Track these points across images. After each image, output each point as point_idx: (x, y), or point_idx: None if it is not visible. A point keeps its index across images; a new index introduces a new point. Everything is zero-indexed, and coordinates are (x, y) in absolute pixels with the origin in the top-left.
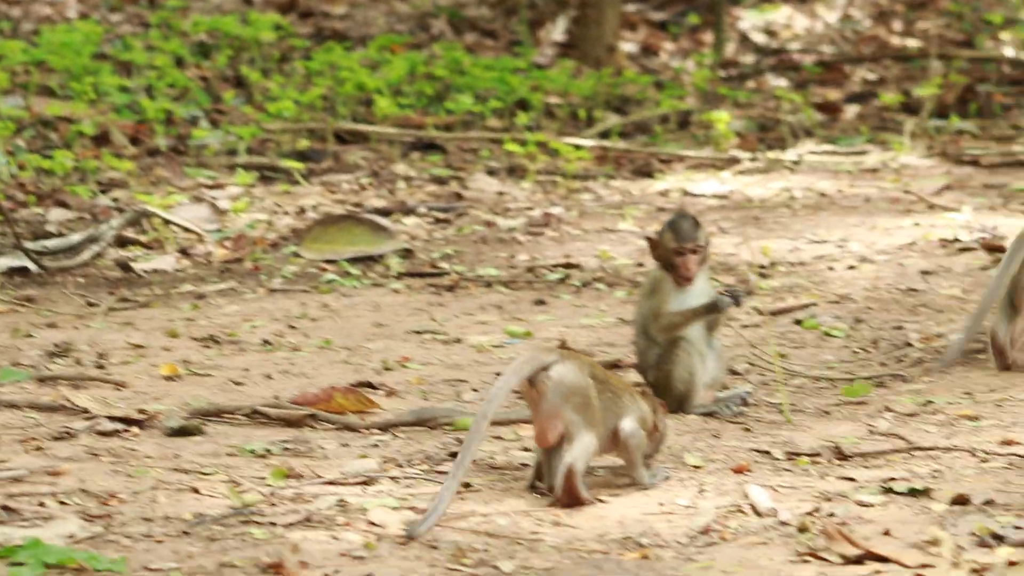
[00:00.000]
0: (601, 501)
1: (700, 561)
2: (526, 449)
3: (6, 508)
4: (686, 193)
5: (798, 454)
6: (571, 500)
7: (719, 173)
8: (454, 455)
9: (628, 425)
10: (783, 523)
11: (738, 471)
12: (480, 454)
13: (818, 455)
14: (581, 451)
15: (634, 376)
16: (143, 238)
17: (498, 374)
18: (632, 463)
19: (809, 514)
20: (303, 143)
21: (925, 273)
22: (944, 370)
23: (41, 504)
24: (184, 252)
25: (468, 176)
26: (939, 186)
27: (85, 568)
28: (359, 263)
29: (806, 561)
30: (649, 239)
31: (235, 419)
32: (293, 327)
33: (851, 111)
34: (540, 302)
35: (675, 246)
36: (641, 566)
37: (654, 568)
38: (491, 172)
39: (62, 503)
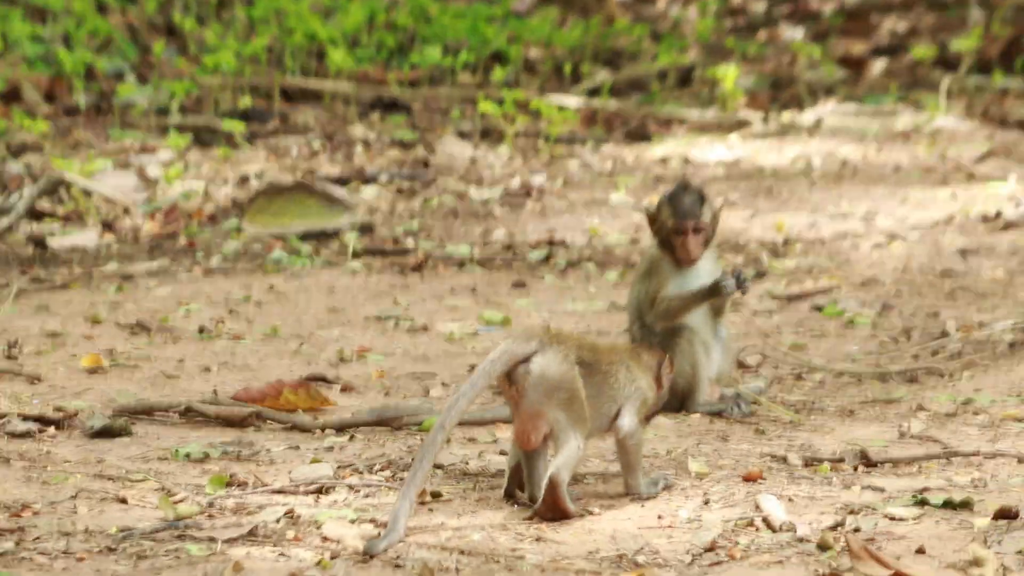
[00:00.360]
0: (590, 513)
1: None
2: (503, 453)
3: None
4: (688, 160)
5: (818, 460)
6: (555, 512)
7: (726, 137)
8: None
9: (627, 423)
10: (801, 539)
11: (749, 479)
12: (451, 459)
13: (841, 461)
14: (566, 458)
15: None
16: (60, 210)
17: (472, 367)
18: (629, 467)
19: (831, 529)
20: (245, 101)
21: (964, 252)
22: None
23: None
24: (108, 226)
25: (436, 140)
26: (980, 152)
27: None
28: (311, 239)
29: None
30: (647, 213)
31: (168, 418)
32: (234, 312)
33: (878, 66)
34: (519, 284)
35: (674, 224)
36: None
37: None
38: (463, 135)
39: None
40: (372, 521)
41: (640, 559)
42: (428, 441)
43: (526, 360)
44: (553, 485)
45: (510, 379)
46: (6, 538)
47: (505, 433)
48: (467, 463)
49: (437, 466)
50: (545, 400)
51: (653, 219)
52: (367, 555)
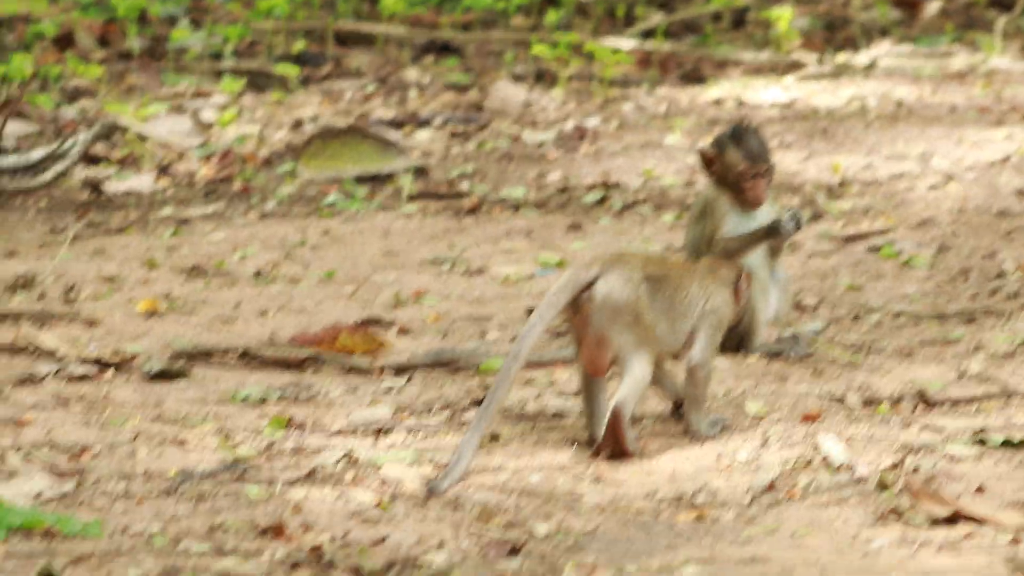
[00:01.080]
0: (649, 455)
1: (764, 523)
2: (561, 394)
3: None
4: (742, 102)
5: (877, 400)
6: (615, 445)
7: (780, 79)
8: (479, 402)
9: (698, 353)
10: (860, 479)
11: (807, 420)
12: (509, 401)
13: (900, 401)
14: (631, 387)
15: None
16: (115, 155)
17: (530, 310)
18: (694, 400)
19: (890, 469)
20: (299, 45)
21: (1020, 193)
22: None
23: (2, 459)
24: (163, 171)
25: (490, 83)
26: None
27: (55, 531)
28: (365, 183)
29: (887, 523)
30: (705, 154)
31: (225, 361)
32: (290, 256)
33: (933, 7)
34: (575, 227)
35: (745, 167)
36: (696, 529)
37: (711, 531)
38: (516, 78)
39: (27, 457)
40: (431, 463)
41: (699, 500)
42: (501, 374)
43: (590, 286)
44: (616, 416)
45: (575, 307)
46: (66, 480)
47: (562, 375)
48: (525, 405)
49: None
50: (610, 324)
51: (713, 160)
52: (430, 494)
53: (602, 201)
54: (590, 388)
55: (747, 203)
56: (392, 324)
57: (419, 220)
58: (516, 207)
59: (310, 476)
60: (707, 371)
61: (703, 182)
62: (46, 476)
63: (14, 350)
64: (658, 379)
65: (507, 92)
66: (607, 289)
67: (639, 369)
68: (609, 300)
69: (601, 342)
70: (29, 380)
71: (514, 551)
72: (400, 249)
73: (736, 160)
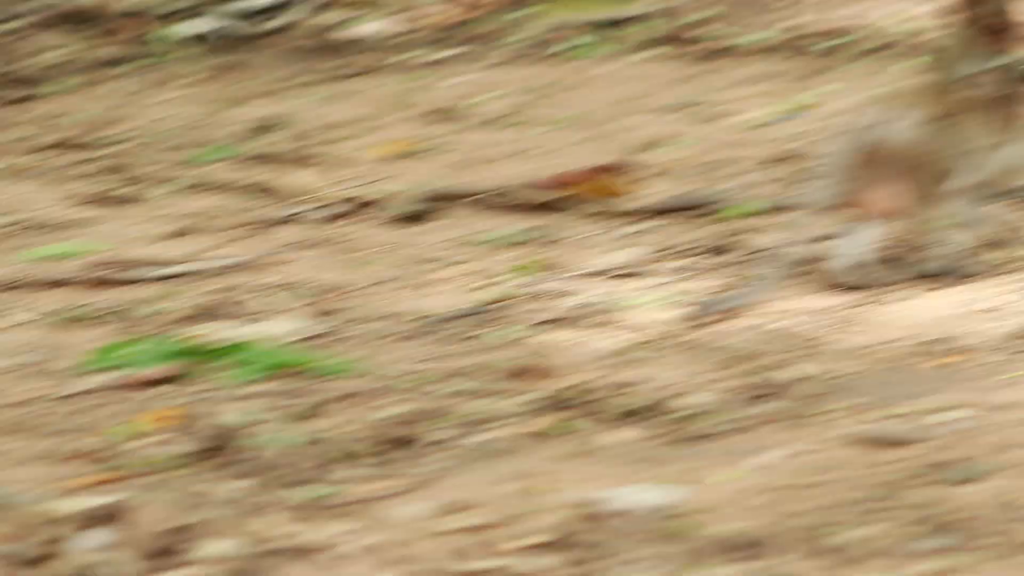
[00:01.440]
0: (899, 302)
1: (1011, 371)
2: (815, 238)
3: (218, 304)
4: None
5: None
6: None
7: None
8: (718, 249)
9: (955, 194)
10: None
11: None
12: (760, 245)
13: None
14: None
15: None
16: None
17: (767, 160)
18: (944, 244)
19: None
20: None
21: None
22: None
23: (257, 299)
24: (401, 14)
25: None
26: None
27: (308, 370)
28: (604, 28)
29: None
30: None
31: (471, 205)
32: (530, 102)
33: None
34: (813, 74)
35: (1001, 9)
36: (940, 375)
37: (955, 378)
38: None
39: (279, 298)
40: (679, 306)
41: (944, 347)
42: (796, 225)
43: (878, 128)
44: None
45: (862, 151)
46: (318, 321)
47: (815, 218)
48: (778, 248)
49: (750, 253)
50: (891, 167)
51: (968, 3)
52: (701, 315)
53: (839, 48)
54: (854, 232)
55: (1000, 47)
56: (634, 169)
57: (657, 66)
58: (759, 51)
59: (558, 320)
60: (962, 213)
61: (944, 30)
62: (298, 317)
63: (262, 191)
64: (923, 222)
65: None
66: (897, 133)
67: (922, 210)
68: (898, 142)
69: (881, 185)
70: (279, 222)
71: (767, 395)
72: (639, 94)
73: (995, 8)
